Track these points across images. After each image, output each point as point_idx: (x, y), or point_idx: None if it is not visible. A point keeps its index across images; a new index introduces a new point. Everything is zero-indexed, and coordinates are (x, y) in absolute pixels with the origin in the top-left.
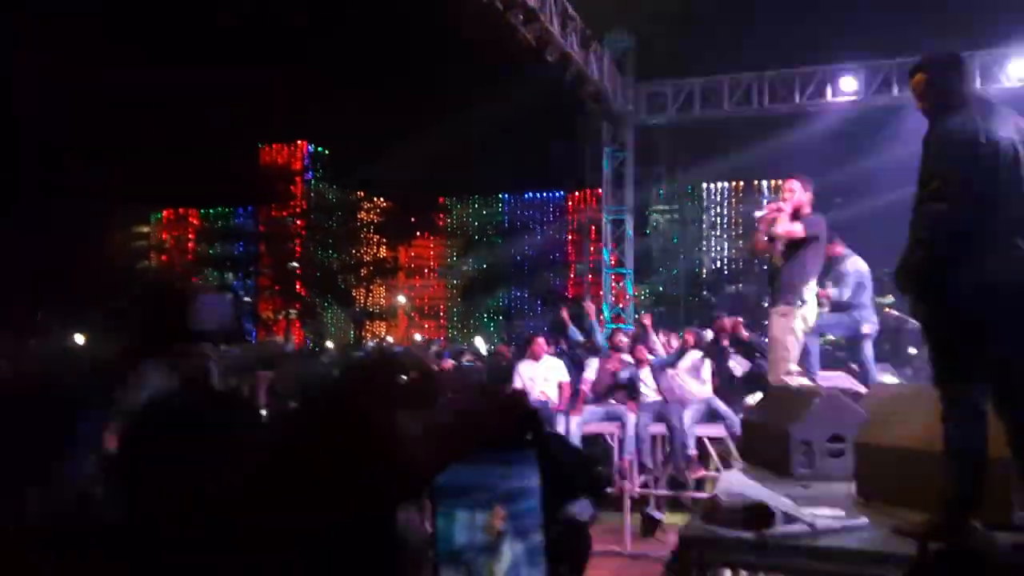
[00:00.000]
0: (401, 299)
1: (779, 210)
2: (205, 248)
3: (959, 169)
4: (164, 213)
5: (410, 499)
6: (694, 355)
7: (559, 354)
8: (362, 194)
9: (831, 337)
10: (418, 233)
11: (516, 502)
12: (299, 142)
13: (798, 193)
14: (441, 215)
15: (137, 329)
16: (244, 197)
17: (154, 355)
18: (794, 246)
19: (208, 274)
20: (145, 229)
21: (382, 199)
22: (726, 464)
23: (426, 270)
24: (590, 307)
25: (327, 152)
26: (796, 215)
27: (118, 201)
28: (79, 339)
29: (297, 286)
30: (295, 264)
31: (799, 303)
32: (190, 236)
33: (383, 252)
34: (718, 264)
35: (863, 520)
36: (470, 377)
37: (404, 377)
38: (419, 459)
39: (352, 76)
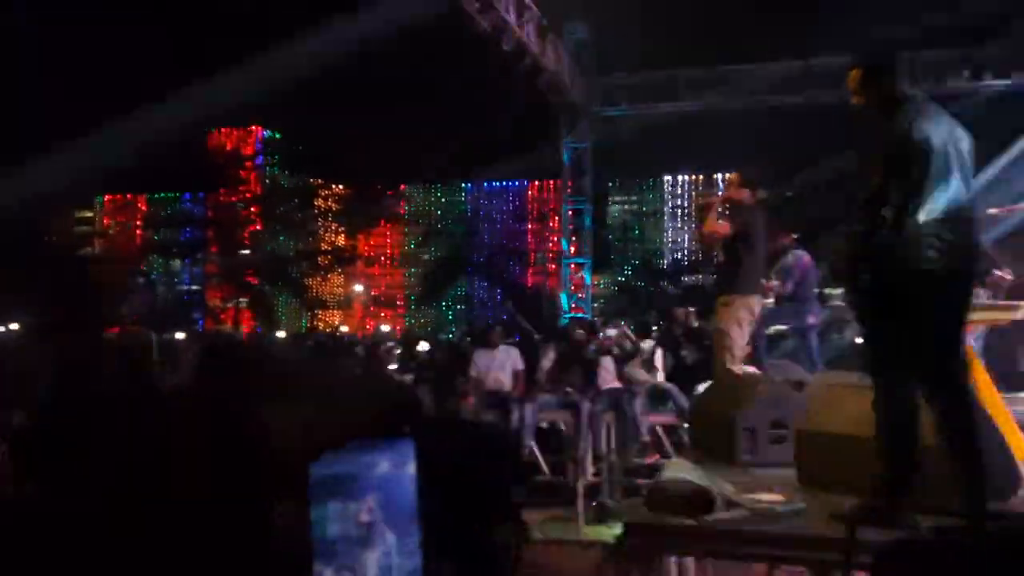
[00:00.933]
0: (358, 288)
1: (722, 201)
2: (151, 234)
3: (894, 166)
4: (108, 197)
5: (282, 489)
6: (648, 343)
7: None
8: (319, 181)
9: (778, 328)
10: (377, 221)
11: (390, 492)
12: (252, 127)
13: (733, 187)
14: (402, 203)
15: (60, 314)
16: (192, 182)
17: (71, 340)
18: (731, 239)
19: (154, 260)
20: (89, 214)
21: (340, 186)
22: (678, 451)
23: (384, 258)
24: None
25: (281, 137)
26: (733, 209)
27: (60, 184)
28: (14, 326)
29: (248, 274)
30: (246, 251)
31: (740, 293)
32: (136, 221)
33: (341, 240)
34: (677, 255)
35: (801, 505)
36: (346, 367)
37: (271, 367)
38: (286, 449)
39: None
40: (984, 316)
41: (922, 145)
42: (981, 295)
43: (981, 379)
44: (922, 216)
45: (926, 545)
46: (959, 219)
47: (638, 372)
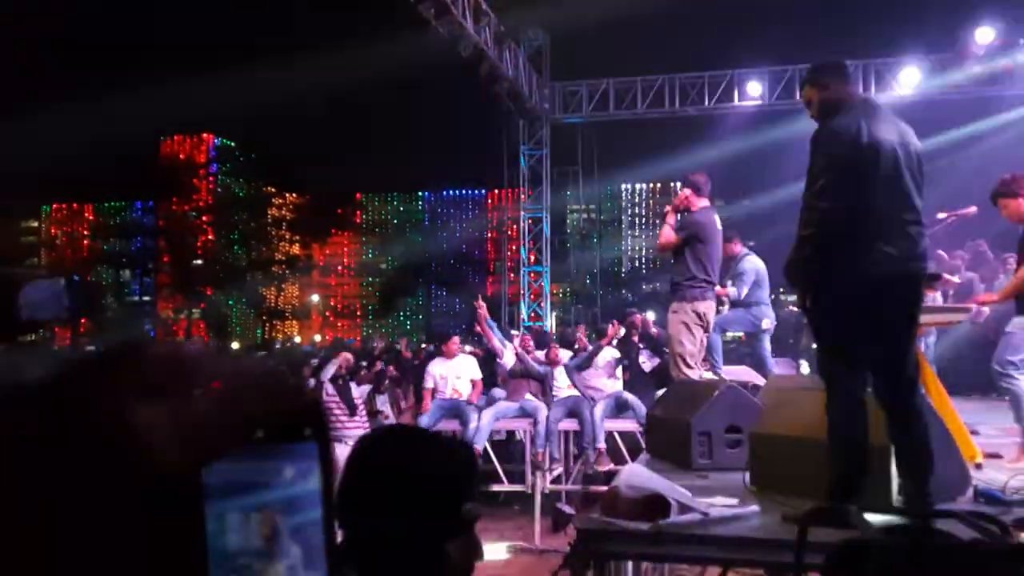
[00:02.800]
0: (315, 298)
1: (674, 209)
2: (100, 244)
3: (842, 169)
4: (55, 206)
5: (167, 500)
6: (610, 352)
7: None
8: (272, 189)
9: (733, 333)
10: (333, 230)
11: (292, 501)
12: (204, 134)
13: (683, 194)
14: (358, 212)
15: None
16: (143, 190)
17: None
18: (681, 245)
19: (103, 271)
20: (34, 224)
21: (294, 195)
22: (635, 457)
23: (340, 268)
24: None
25: (234, 145)
26: (683, 216)
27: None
28: None
29: (200, 285)
30: (199, 261)
31: (688, 299)
32: (83, 231)
33: (296, 249)
34: (636, 263)
35: (754, 508)
36: (241, 364)
37: (147, 363)
38: (169, 454)
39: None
40: (934, 319)
41: (870, 147)
42: (931, 298)
43: (931, 382)
44: (870, 218)
45: (876, 544)
46: (907, 221)
47: (599, 379)
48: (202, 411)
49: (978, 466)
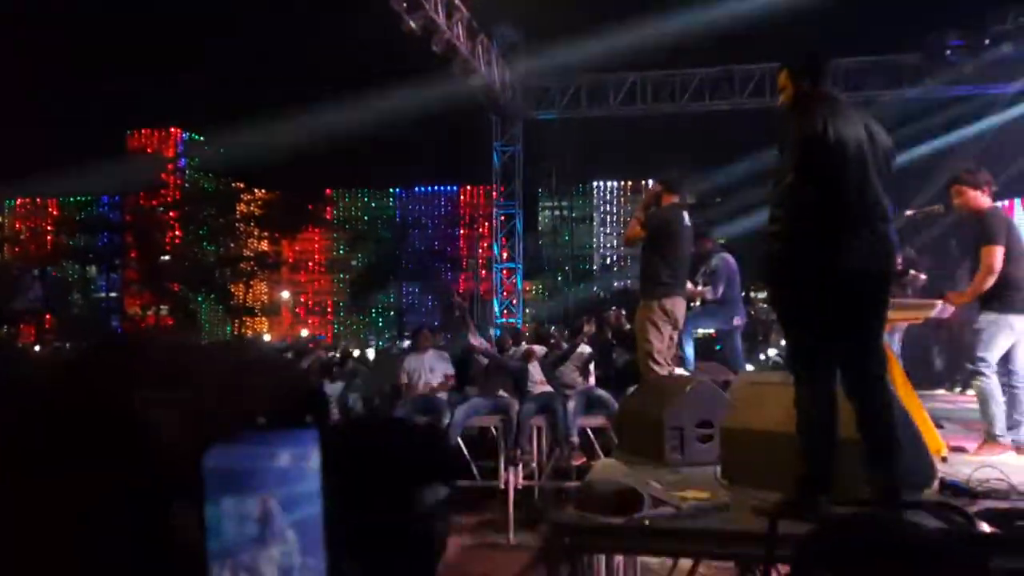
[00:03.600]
0: (285, 295)
1: (645, 205)
2: (65, 239)
3: (809, 166)
4: (18, 201)
5: (168, 486)
6: (583, 349)
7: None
8: (241, 184)
9: (704, 330)
10: (303, 226)
11: (290, 486)
12: (172, 128)
13: (654, 189)
14: (328, 208)
15: None
16: (109, 185)
17: None
18: (647, 242)
19: (68, 266)
20: None
21: (263, 190)
22: (607, 453)
23: (311, 264)
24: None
25: (203, 139)
26: (653, 212)
27: None
28: None
29: (168, 280)
30: (166, 257)
31: (656, 296)
32: (48, 226)
33: (265, 245)
34: (608, 260)
35: (725, 501)
36: (241, 352)
37: (148, 350)
38: (171, 440)
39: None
40: (901, 315)
41: (836, 145)
42: (897, 294)
43: (898, 376)
44: (837, 215)
45: (844, 536)
46: (874, 218)
47: (572, 375)
48: (206, 396)
49: (943, 459)
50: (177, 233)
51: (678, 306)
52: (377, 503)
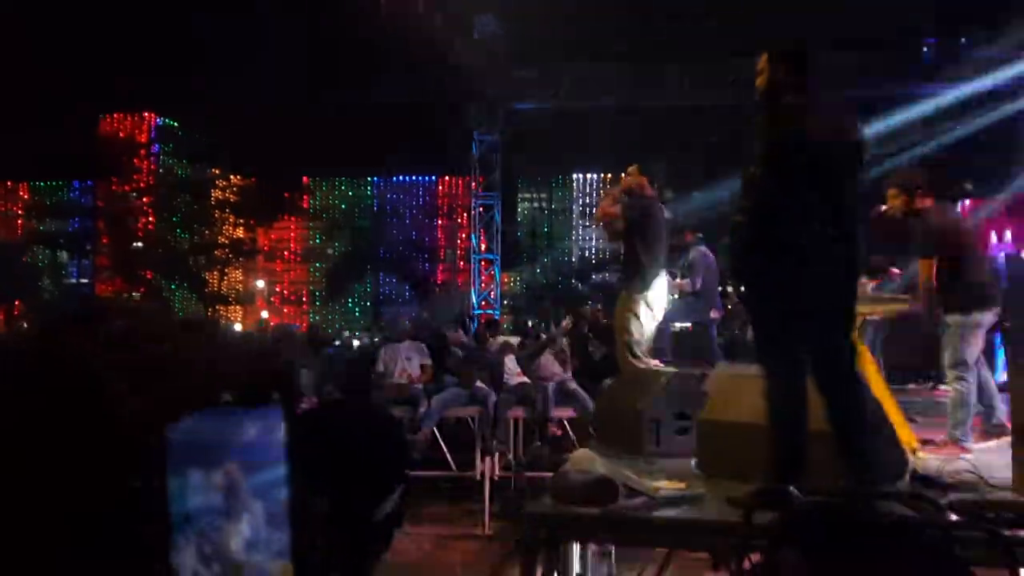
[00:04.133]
0: (260, 283)
1: (623, 190)
2: (36, 224)
3: (774, 159)
4: None
5: (133, 458)
6: (561, 341)
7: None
8: (216, 171)
9: (681, 323)
10: (279, 214)
11: (256, 459)
12: (145, 113)
13: (632, 177)
14: (305, 196)
15: None
16: (80, 170)
17: None
18: (628, 232)
19: (39, 252)
20: None
21: (239, 177)
22: (583, 444)
23: (287, 253)
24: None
25: (177, 125)
26: (632, 200)
27: None
28: None
29: (141, 268)
30: (139, 244)
31: (639, 288)
32: (18, 211)
33: (240, 233)
34: (586, 253)
35: (701, 492)
36: (212, 332)
37: (121, 319)
38: (140, 413)
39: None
40: (875, 308)
41: (804, 139)
42: (871, 288)
43: (871, 370)
44: (800, 209)
45: (816, 525)
46: (841, 211)
47: (550, 367)
48: (172, 372)
49: (915, 452)
50: (150, 219)
51: (659, 299)
52: (331, 486)
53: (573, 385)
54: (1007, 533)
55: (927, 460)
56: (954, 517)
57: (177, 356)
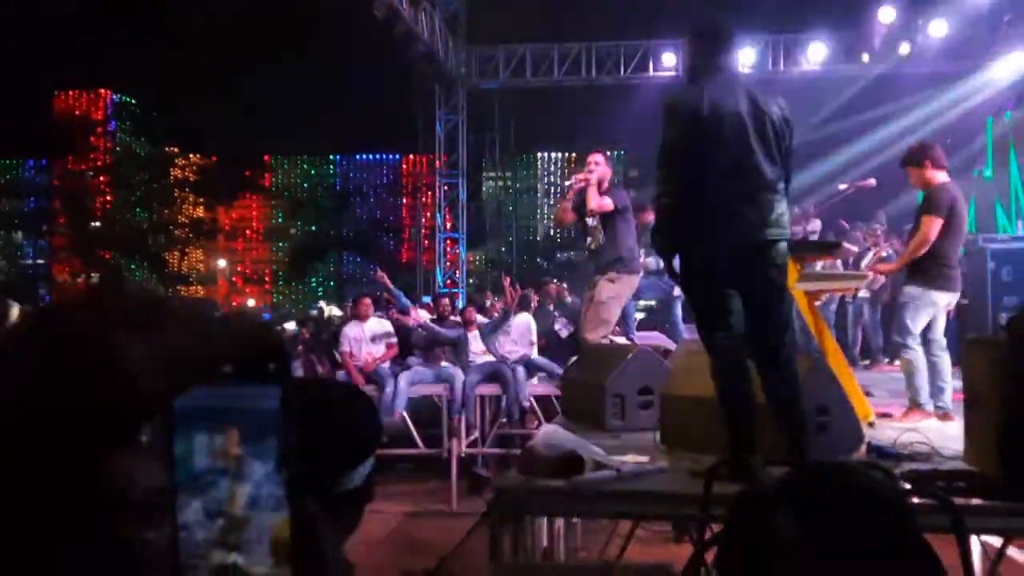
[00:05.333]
0: (221, 263)
1: (585, 180)
2: None
3: (685, 138)
4: None
5: (140, 424)
6: (524, 318)
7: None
8: (176, 149)
9: (646, 301)
10: (240, 193)
11: (255, 424)
12: (101, 90)
13: (602, 167)
14: (267, 175)
15: None
16: (35, 148)
17: None
18: (608, 218)
19: None
20: None
21: (199, 155)
22: (550, 419)
23: (249, 232)
24: (382, 276)
25: (134, 103)
26: (601, 189)
27: None
28: None
29: (99, 248)
30: (97, 224)
31: (627, 269)
32: None
33: (201, 212)
34: (551, 232)
35: (663, 464)
36: (211, 306)
37: (128, 298)
38: (147, 381)
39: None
40: (831, 286)
41: (712, 116)
42: (831, 265)
43: (829, 346)
44: (715, 187)
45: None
46: (758, 188)
47: (511, 345)
48: (177, 345)
49: (871, 425)
50: (108, 198)
51: (634, 279)
52: (312, 453)
53: (536, 359)
54: (958, 501)
55: (885, 431)
56: (907, 487)
57: (178, 332)
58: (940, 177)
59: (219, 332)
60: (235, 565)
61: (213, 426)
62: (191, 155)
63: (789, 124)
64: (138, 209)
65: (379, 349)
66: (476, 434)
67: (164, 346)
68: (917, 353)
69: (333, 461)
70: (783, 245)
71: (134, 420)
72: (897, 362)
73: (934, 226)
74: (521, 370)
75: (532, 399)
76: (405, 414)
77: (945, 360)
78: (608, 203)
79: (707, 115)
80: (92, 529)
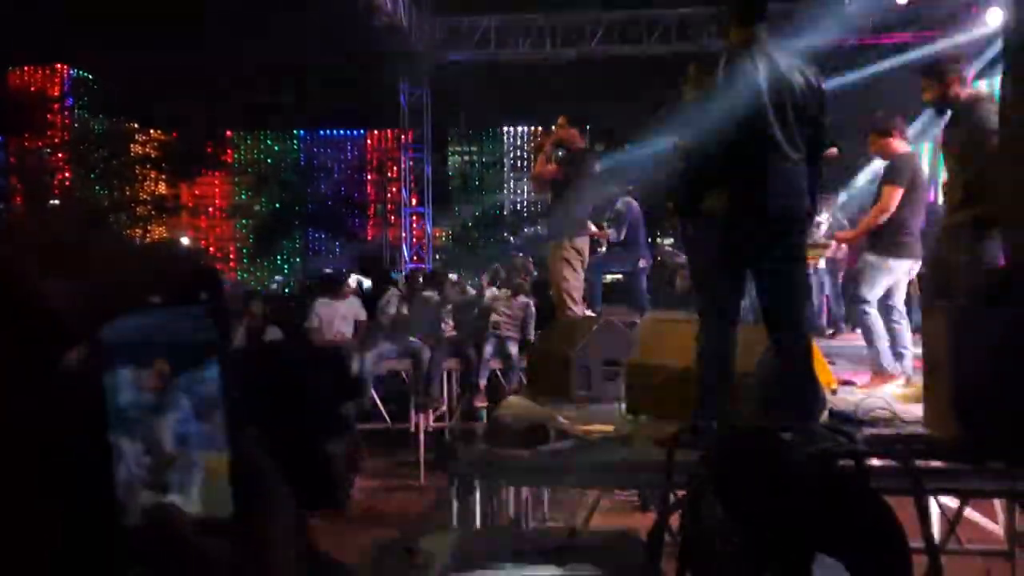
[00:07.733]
0: (184, 240)
1: (553, 142)
2: None
3: (706, 108)
4: None
5: (61, 355)
6: (495, 292)
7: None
8: (135, 125)
9: (612, 274)
10: (202, 169)
11: (185, 357)
12: (57, 65)
13: (563, 129)
14: (229, 151)
15: None
16: None
17: None
18: (558, 184)
19: None
20: None
21: (159, 131)
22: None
23: (212, 209)
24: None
25: (92, 78)
26: (563, 152)
27: None
28: None
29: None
30: (55, 201)
31: (570, 236)
32: None
33: (163, 189)
34: (517, 206)
35: (627, 434)
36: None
37: (45, 231)
38: (70, 311)
39: None
40: None
41: (737, 89)
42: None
43: None
44: (736, 158)
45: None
46: (779, 158)
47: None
48: (99, 274)
49: (834, 391)
50: (67, 176)
51: (586, 246)
52: (291, 421)
53: (503, 333)
54: (917, 464)
55: (847, 397)
56: (867, 448)
57: (100, 261)
58: (903, 147)
59: (145, 261)
60: (170, 504)
61: (141, 360)
62: (151, 131)
63: (816, 93)
64: (97, 187)
65: (348, 329)
66: (443, 409)
67: (85, 275)
68: (873, 317)
69: (305, 426)
70: (802, 217)
71: (55, 352)
72: (858, 330)
73: (896, 195)
74: (488, 348)
75: (498, 372)
76: (374, 393)
77: (905, 326)
78: (548, 170)
79: (730, 87)
80: (20, 464)
